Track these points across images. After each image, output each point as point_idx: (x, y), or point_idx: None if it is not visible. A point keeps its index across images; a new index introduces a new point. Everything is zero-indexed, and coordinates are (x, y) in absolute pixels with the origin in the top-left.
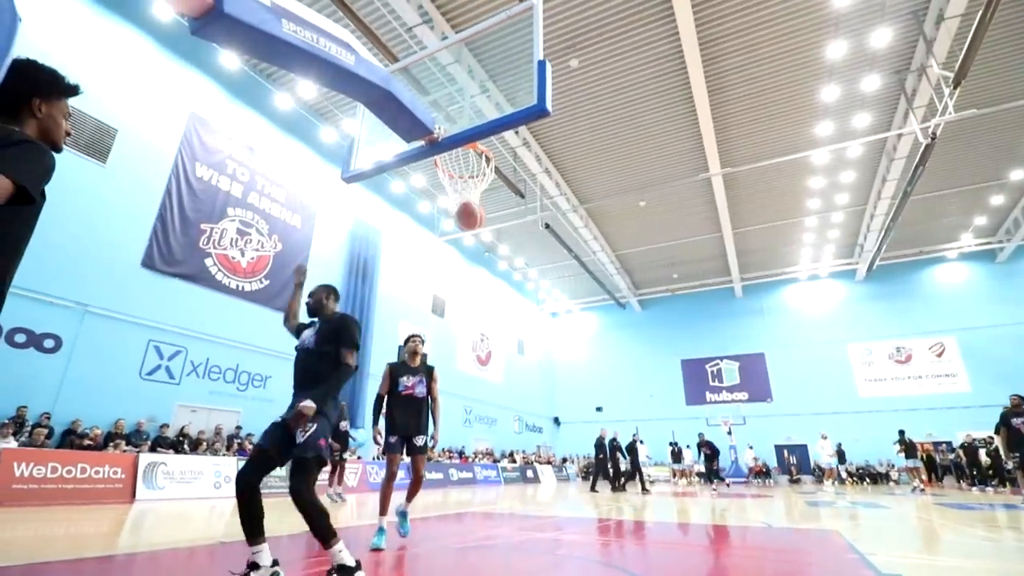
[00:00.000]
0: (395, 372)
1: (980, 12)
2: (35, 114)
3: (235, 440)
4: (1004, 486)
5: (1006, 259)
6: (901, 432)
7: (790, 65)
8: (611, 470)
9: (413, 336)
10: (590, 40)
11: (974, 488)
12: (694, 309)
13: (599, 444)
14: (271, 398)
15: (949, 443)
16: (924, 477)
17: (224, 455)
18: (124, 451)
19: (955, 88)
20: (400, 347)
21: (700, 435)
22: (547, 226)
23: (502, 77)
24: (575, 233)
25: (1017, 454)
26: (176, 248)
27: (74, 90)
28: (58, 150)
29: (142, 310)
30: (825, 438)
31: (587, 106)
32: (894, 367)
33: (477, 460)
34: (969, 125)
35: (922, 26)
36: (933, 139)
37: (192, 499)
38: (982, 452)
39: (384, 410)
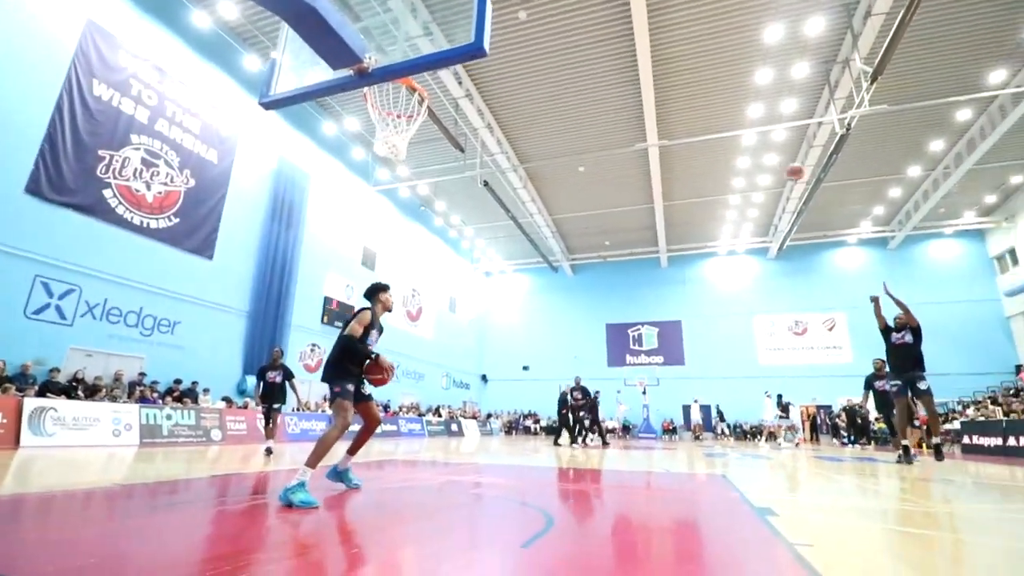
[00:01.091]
0: (370, 325)
1: (901, 13)
2: None
3: (137, 387)
4: (869, 443)
5: (896, 247)
6: (779, 396)
7: (730, 44)
8: (573, 424)
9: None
10: None
11: (847, 445)
12: (622, 276)
13: (562, 400)
14: (180, 345)
15: (830, 407)
16: (803, 435)
17: (125, 402)
18: (6, 394)
19: (872, 83)
20: (325, 299)
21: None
22: (486, 184)
23: (447, 23)
24: (513, 193)
25: (882, 414)
26: (68, 175)
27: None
28: None
29: (26, 242)
30: (768, 395)
31: (534, 63)
32: (792, 338)
33: (402, 414)
34: (880, 120)
35: (851, 19)
36: (848, 130)
37: (87, 447)
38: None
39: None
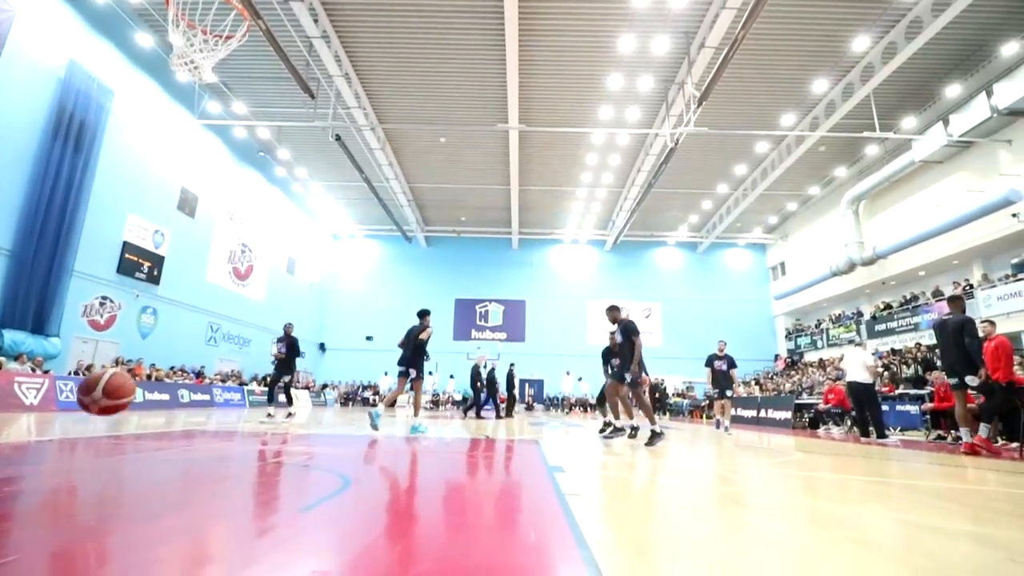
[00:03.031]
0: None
1: (725, 50)
2: None
3: None
4: (665, 414)
5: (703, 251)
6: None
7: (591, 44)
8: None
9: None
10: None
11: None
12: (475, 253)
13: (475, 373)
14: None
15: None
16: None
17: None
18: None
19: (698, 106)
20: (125, 244)
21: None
22: (338, 138)
23: None
24: (369, 154)
25: (717, 389)
26: None
27: None
28: None
29: None
30: (568, 374)
31: (403, 19)
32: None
33: (218, 382)
34: (701, 141)
35: (689, 47)
36: (676, 145)
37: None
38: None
39: None
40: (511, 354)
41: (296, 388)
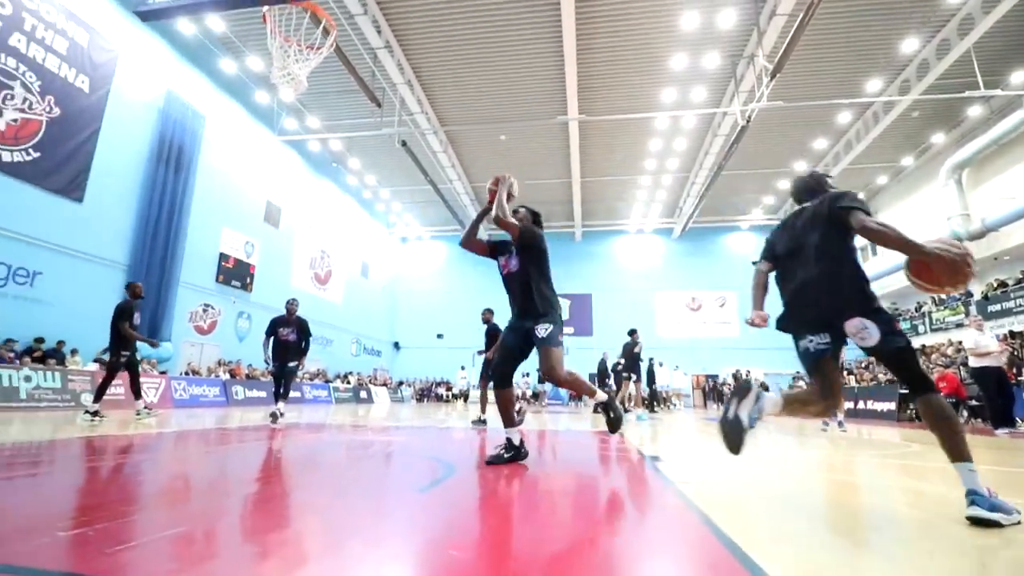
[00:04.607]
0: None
1: (801, 15)
2: None
3: None
4: None
5: None
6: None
7: (651, 27)
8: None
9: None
10: None
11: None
12: None
13: (602, 369)
14: (41, 299)
15: (716, 376)
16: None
17: None
18: None
19: (772, 79)
20: (221, 255)
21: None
22: (404, 144)
23: None
24: (433, 157)
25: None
26: None
27: None
28: None
29: None
30: (662, 365)
31: (461, 26)
32: (688, 313)
33: (307, 380)
34: (775, 116)
35: (759, 17)
36: (747, 122)
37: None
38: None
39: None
40: (579, 349)
41: (375, 385)
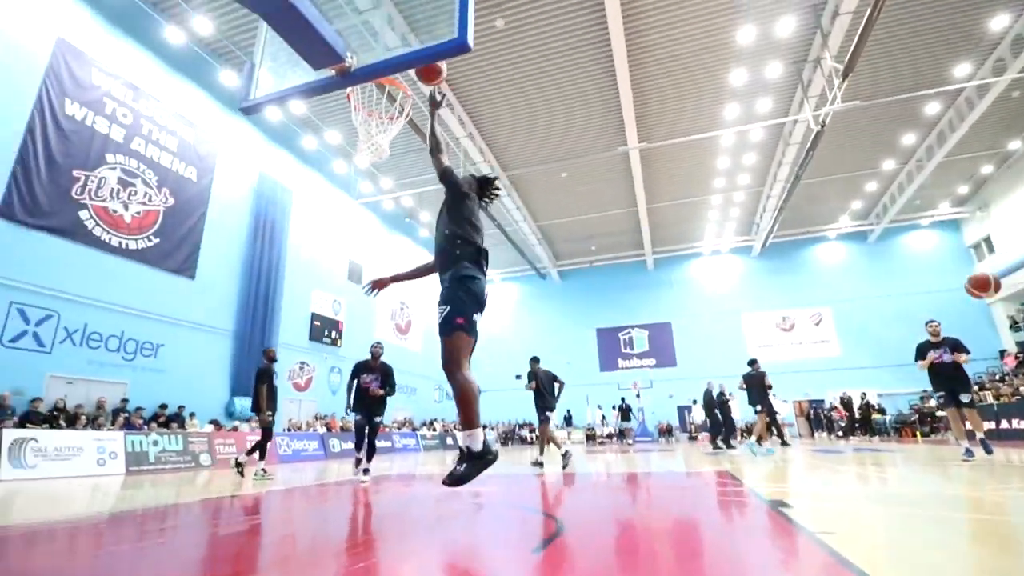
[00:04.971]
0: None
1: (868, 11)
2: None
3: (121, 414)
4: (870, 434)
5: (875, 240)
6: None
7: (705, 46)
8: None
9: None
10: (517, 1)
11: (850, 438)
12: (610, 280)
13: (709, 398)
14: (164, 368)
15: (821, 401)
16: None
17: (109, 430)
18: None
19: (844, 80)
20: (312, 315)
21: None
22: None
23: (425, 31)
24: (498, 202)
25: (942, 392)
26: (42, 197)
27: None
28: None
29: (0, 267)
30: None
31: (513, 71)
32: (780, 334)
33: (395, 429)
34: (853, 116)
35: (820, 19)
36: (822, 127)
37: (71, 477)
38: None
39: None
40: (662, 380)
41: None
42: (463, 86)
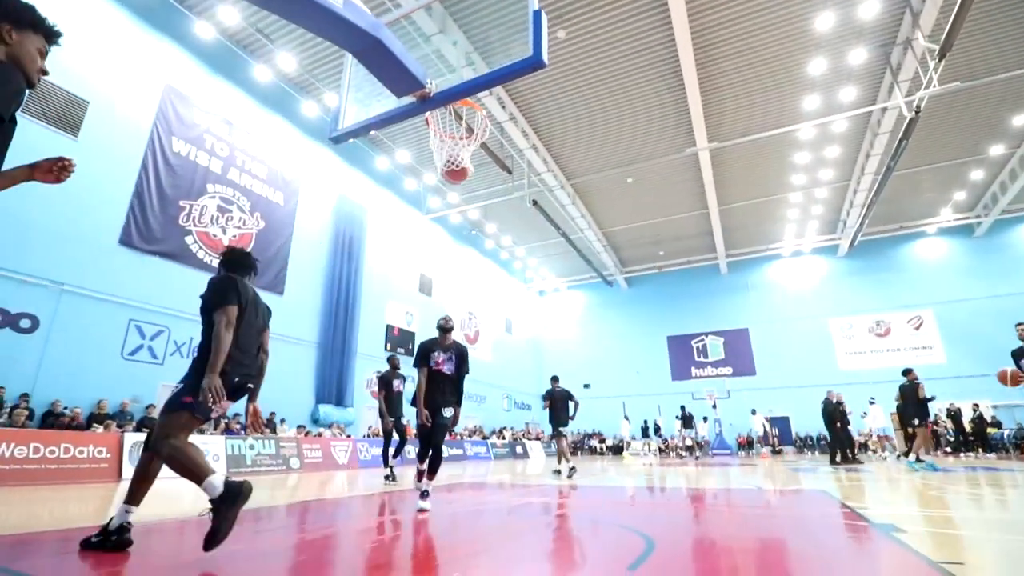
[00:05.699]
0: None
1: None
2: (4, 39)
3: (222, 420)
4: (983, 451)
5: (983, 233)
6: (682, 407)
7: (778, 37)
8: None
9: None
10: (578, 11)
11: (961, 454)
12: (680, 286)
13: (829, 409)
14: None
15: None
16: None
17: (212, 434)
18: (108, 431)
19: (940, 61)
20: (387, 326)
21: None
22: (534, 203)
23: (487, 51)
24: (562, 210)
25: None
26: (155, 225)
27: (51, 31)
28: (31, 85)
29: (121, 289)
30: (873, 403)
31: (575, 79)
32: (873, 340)
33: (467, 437)
34: (952, 99)
35: None
36: (917, 113)
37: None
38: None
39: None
40: (740, 390)
41: (528, 439)
42: (525, 98)
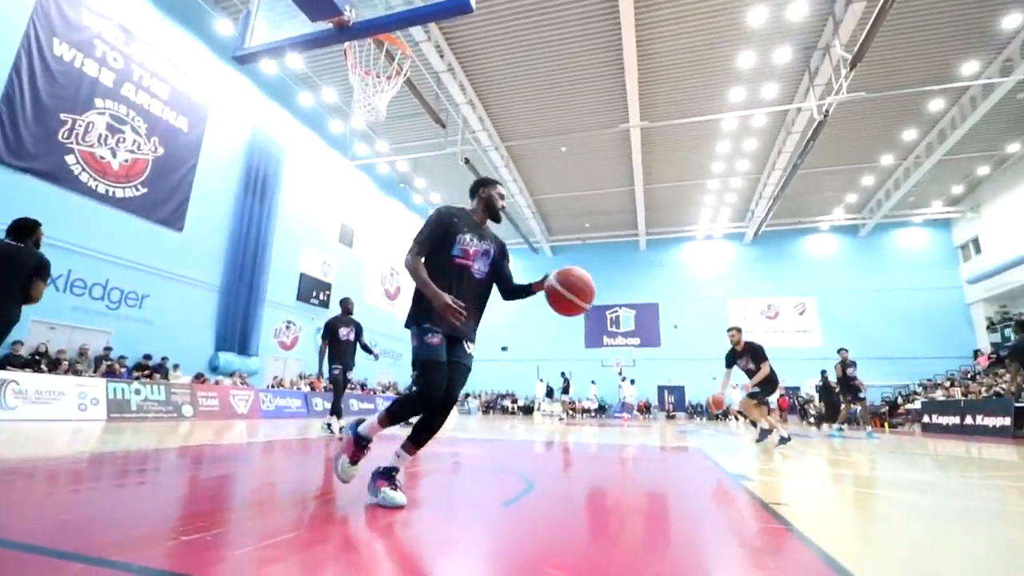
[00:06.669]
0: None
1: (881, 1)
2: None
3: (104, 361)
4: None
5: (866, 234)
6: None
7: (714, 25)
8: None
9: None
10: None
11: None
12: (602, 258)
13: (826, 379)
14: (149, 319)
15: (798, 388)
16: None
17: (91, 376)
18: None
19: (851, 70)
20: (301, 275)
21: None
22: (467, 161)
23: None
24: (495, 172)
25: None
26: (28, 138)
27: None
28: None
29: None
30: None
31: (518, 39)
32: (764, 321)
33: (381, 393)
34: (856, 108)
35: (833, 5)
36: (825, 116)
37: (51, 421)
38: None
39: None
40: (646, 360)
41: None
42: (466, 51)
